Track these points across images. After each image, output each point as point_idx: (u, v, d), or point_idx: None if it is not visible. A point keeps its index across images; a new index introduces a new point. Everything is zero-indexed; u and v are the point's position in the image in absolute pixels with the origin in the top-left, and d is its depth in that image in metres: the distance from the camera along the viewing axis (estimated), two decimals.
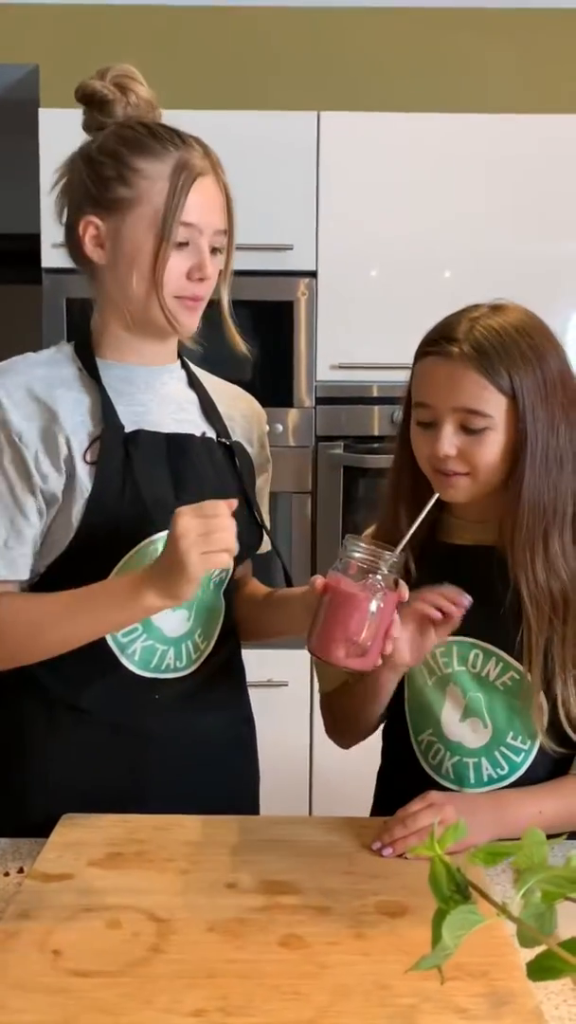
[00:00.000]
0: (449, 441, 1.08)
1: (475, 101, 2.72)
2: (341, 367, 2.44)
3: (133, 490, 1.13)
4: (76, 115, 1.19)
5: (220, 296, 1.19)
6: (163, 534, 1.12)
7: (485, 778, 1.15)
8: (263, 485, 1.34)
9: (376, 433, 2.48)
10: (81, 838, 1.07)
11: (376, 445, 2.44)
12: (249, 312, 2.46)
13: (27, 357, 1.19)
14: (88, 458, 1.12)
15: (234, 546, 1.03)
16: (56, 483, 1.12)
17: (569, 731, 1.10)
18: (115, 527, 1.12)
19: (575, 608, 1.08)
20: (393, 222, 2.43)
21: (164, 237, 1.11)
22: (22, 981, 0.81)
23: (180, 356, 1.27)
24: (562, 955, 0.56)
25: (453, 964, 0.73)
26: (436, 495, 1.10)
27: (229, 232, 1.17)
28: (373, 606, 1.02)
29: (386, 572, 1.03)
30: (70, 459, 1.12)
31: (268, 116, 2.45)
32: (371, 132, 2.44)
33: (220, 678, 1.24)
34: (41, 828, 1.10)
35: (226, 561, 1.03)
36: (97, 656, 1.14)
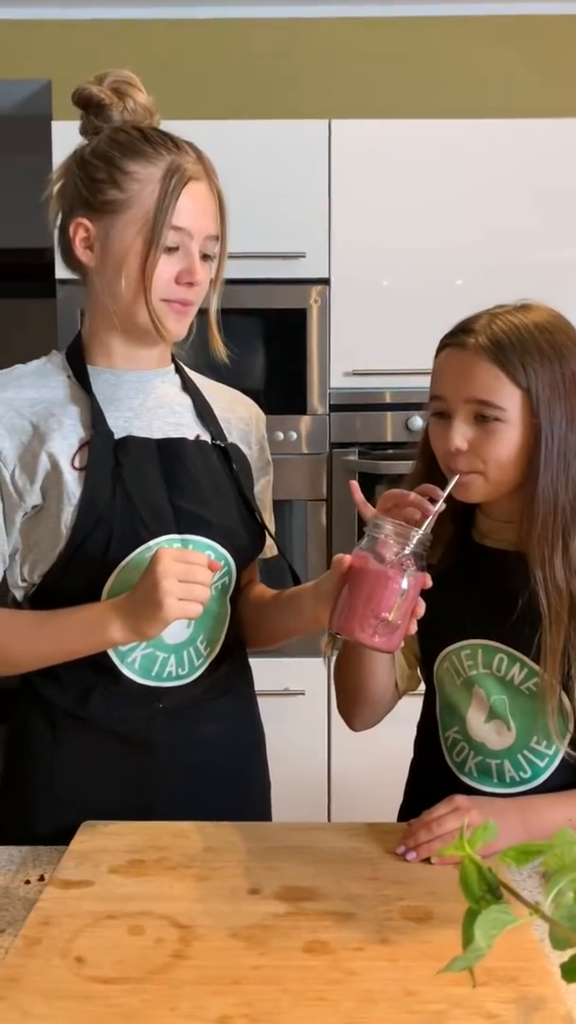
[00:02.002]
0: (460, 433, 1.07)
1: (487, 107, 2.72)
2: (355, 374, 2.44)
3: (124, 496, 1.12)
4: None
5: (210, 303, 1.18)
6: (158, 540, 1.12)
7: (507, 779, 1.13)
8: (264, 488, 1.32)
9: (390, 439, 2.46)
10: (101, 845, 1.06)
11: (390, 451, 2.42)
12: (262, 320, 2.46)
13: (14, 370, 1.18)
14: (77, 463, 1.12)
15: (207, 603, 1.05)
16: (31, 500, 1.12)
17: None
18: (108, 533, 1.11)
19: None
20: (405, 229, 2.43)
21: (153, 241, 1.10)
22: (45, 988, 0.81)
23: (174, 360, 1.26)
24: None
25: (482, 969, 0.71)
26: (457, 476, 1.08)
27: (222, 239, 1.15)
28: (404, 583, 1.00)
29: (415, 549, 1.01)
30: (54, 473, 1.11)
31: (279, 125, 2.45)
32: (382, 139, 2.44)
33: (226, 685, 1.23)
34: (49, 839, 1.10)
35: (198, 613, 1.05)
36: (97, 666, 1.14)
